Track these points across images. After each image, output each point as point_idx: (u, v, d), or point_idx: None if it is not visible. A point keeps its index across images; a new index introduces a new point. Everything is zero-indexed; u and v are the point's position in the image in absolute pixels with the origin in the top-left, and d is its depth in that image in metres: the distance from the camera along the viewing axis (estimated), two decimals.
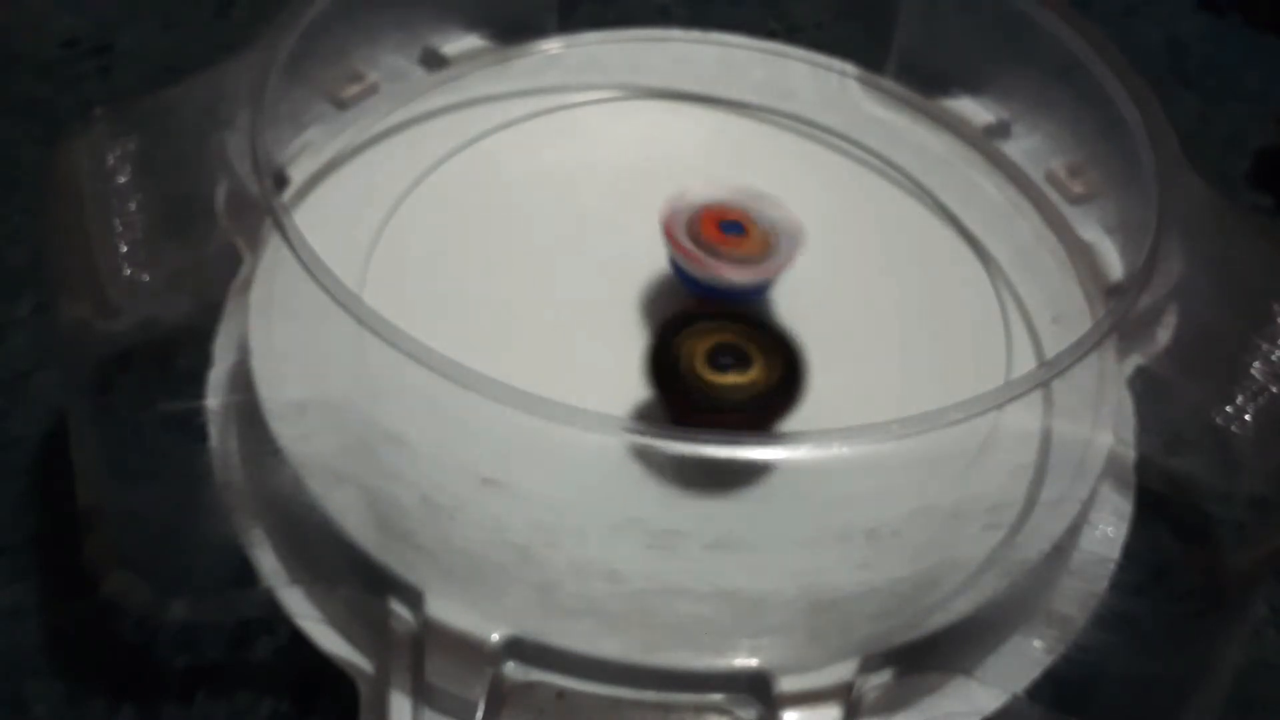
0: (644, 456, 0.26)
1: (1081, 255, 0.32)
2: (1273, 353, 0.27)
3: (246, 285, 0.28)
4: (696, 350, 0.26)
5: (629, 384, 0.28)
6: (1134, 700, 0.26)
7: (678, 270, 0.28)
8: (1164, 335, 0.28)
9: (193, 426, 0.27)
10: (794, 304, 0.29)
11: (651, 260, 0.30)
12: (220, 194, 0.28)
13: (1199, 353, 0.28)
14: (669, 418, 0.27)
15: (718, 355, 0.26)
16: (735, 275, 0.27)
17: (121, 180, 0.28)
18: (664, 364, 0.26)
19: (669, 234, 0.28)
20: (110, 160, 0.28)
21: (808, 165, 0.34)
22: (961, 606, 0.24)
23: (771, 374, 0.26)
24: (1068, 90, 0.32)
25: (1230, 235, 0.29)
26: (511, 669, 0.24)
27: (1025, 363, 0.29)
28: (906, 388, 0.28)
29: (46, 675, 0.30)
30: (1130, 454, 0.28)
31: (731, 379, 0.26)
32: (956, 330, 0.30)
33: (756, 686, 0.23)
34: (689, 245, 0.28)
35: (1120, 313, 0.26)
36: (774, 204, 0.29)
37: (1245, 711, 0.30)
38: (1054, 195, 0.33)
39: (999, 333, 0.30)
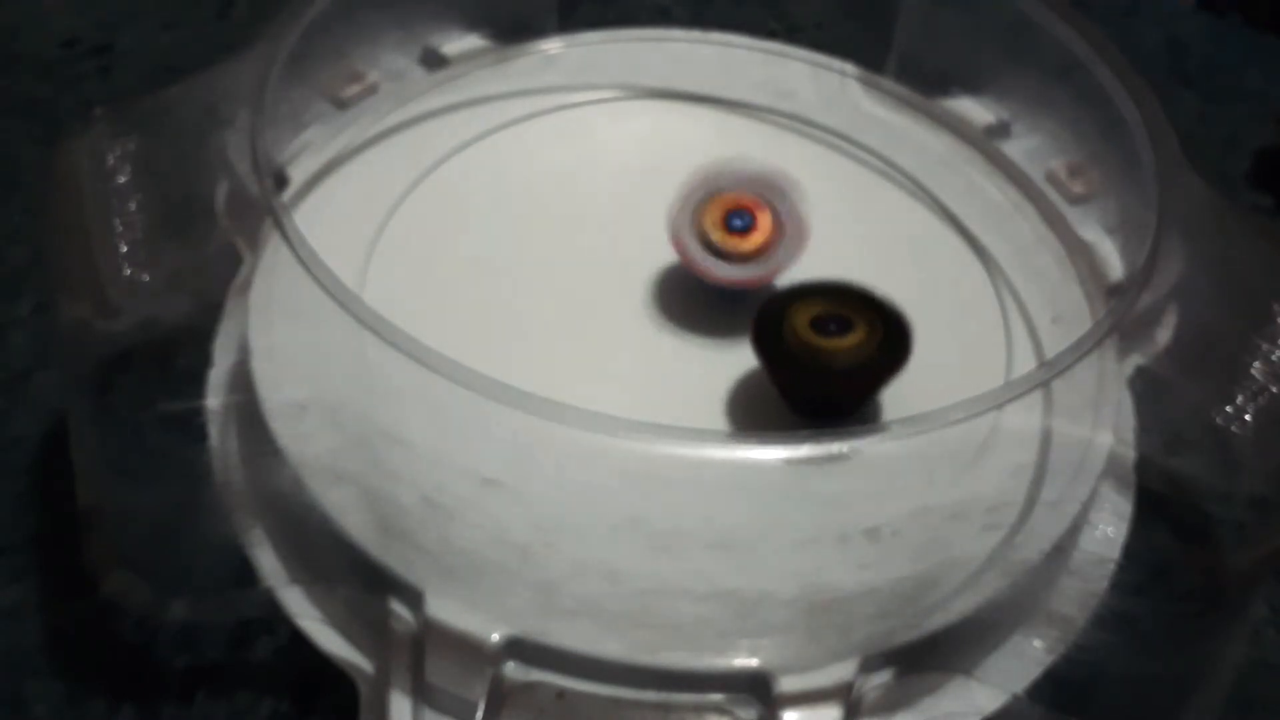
0: (649, 457, 0.26)
1: (1081, 255, 0.32)
2: (1273, 353, 0.27)
3: (246, 285, 0.28)
4: (799, 320, 0.26)
5: (629, 382, 0.28)
6: (1134, 700, 0.26)
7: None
8: (1164, 335, 0.28)
9: (193, 426, 0.27)
10: None
11: (652, 259, 0.30)
12: (220, 194, 0.28)
13: (1199, 353, 0.28)
14: (778, 389, 0.27)
15: (823, 323, 0.26)
16: (733, 275, 0.28)
17: (121, 180, 0.28)
18: (769, 335, 0.27)
19: (677, 242, 0.29)
20: (110, 160, 0.28)
21: (808, 165, 0.34)
22: (961, 606, 0.24)
23: (874, 337, 0.26)
24: (1068, 90, 0.32)
25: (1230, 235, 0.29)
26: (511, 669, 0.24)
27: (1025, 363, 0.29)
28: (906, 387, 0.28)
29: (46, 675, 0.30)
30: (1130, 454, 0.28)
31: (837, 342, 0.26)
32: (956, 330, 0.30)
33: (756, 686, 0.23)
34: (698, 255, 0.28)
35: (1120, 313, 0.26)
36: (787, 188, 0.29)
37: (1245, 711, 0.30)
38: (1054, 195, 0.33)
39: (999, 333, 0.30)
